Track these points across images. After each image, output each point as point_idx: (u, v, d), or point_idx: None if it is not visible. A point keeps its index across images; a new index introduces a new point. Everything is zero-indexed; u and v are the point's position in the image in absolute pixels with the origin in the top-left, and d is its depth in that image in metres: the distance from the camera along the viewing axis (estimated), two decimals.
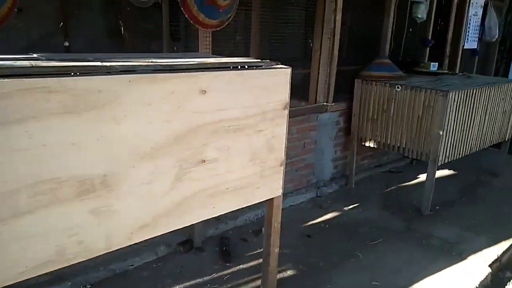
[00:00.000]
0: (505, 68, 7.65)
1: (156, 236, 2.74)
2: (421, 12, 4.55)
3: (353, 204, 3.83)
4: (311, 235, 3.25)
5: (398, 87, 3.63)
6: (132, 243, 1.64)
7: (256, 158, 1.98)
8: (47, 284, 2.38)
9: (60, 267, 1.44)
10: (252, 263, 2.82)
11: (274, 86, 1.94)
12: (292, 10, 3.76)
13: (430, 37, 5.11)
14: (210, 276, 2.65)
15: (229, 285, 2.58)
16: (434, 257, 2.96)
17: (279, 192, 2.17)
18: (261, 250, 2.98)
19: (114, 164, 1.47)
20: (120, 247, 1.60)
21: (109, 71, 1.42)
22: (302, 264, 2.83)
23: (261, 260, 2.83)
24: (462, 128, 3.64)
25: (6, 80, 1.17)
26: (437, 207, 3.82)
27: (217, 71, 1.69)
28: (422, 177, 4.57)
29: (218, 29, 2.81)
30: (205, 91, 1.67)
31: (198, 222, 2.81)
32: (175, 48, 2.96)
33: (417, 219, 3.56)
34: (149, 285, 2.54)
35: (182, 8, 2.58)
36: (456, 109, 3.46)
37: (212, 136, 1.75)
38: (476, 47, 6.24)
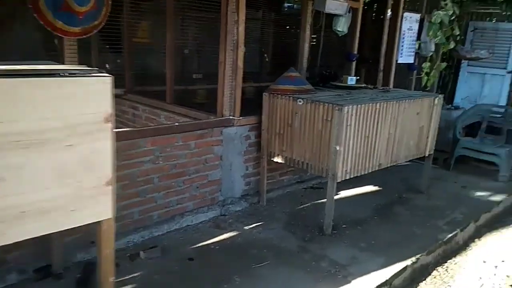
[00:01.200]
0: (453, 83, 7.71)
1: (9, 261, 2.53)
2: (342, 26, 4.47)
3: (256, 223, 3.64)
4: (195, 258, 3.03)
5: (300, 101, 3.49)
6: None
7: (67, 177, 1.77)
8: None
9: None
10: None
11: (87, 97, 1.74)
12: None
13: (356, 51, 5.04)
14: None
15: None
16: (316, 280, 2.78)
17: (108, 214, 1.95)
18: (130, 276, 2.77)
19: None
20: None
21: None
22: None
23: None
24: (366, 143, 3.51)
25: None
26: (344, 226, 3.67)
27: None
28: (344, 193, 4.44)
29: (84, 36, 2.62)
30: None
31: (58, 246, 2.61)
32: None
33: (316, 239, 3.39)
34: None
35: (35, 14, 2.39)
36: (356, 124, 3.33)
37: None
38: (413, 61, 6.24)
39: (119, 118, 5.20)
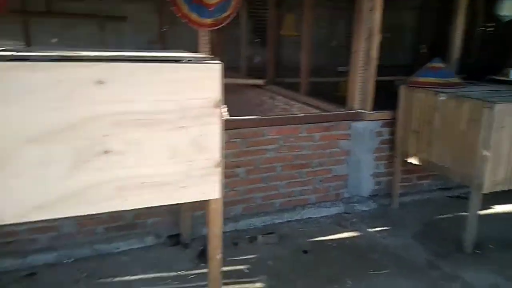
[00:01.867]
0: None
1: (149, 226, 2.90)
2: (508, 9, 3.75)
3: (381, 227, 3.36)
4: (310, 251, 2.96)
5: (442, 95, 3.06)
6: (27, 221, 1.74)
7: (179, 156, 1.91)
8: (36, 251, 2.69)
9: None
10: (226, 268, 2.70)
11: (197, 82, 1.85)
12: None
13: None
14: (176, 273, 2.64)
15: (189, 284, 2.53)
16: None
17: (215, 195, 2.04)
18: (246, 257, 2.87)
19: (1, 143, 1.59)
20: (14, 222, 1.72)
21: None
22: (276, 279, 2.61)
23: (237, 267, 2.73)
24: None
25: None
26: (491, 246, 3.10)
27: (113, 63, 1.69)
28: (499, 208, 3.77)
29: (215, 28, 2.79)
30: (102, 82, 1.68)
31: (187, 218, 2.88)
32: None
33: (451, 256, 2.94)
34: (121, 270, 2.65)
35: (173, 7, 2.64)
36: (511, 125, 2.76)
37: (115, 128, 1.75)
38: None
39: (259, 107, 5.45)
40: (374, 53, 3.35)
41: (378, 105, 3.61)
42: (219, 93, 1.90)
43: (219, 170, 2.01)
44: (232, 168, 3.13)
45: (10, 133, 1.60)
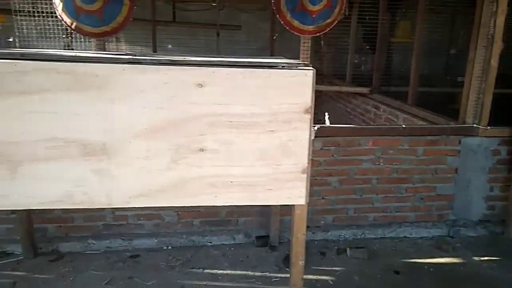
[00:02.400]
0: None
1: (240, 224, 3.03)
2: None
3: (490, 257, 2.99)
4: (402, 273, 2.77)
5: None
6: (130, 206, 1.95)
7: (267, 158, 1.96)
8: (141, 236, 2.99)
9: (68, 207, 1.90)
10: (311, 277, 2.68)
11: (289, 88, 1.88)
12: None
13: None
14: (261, 273, 2.70)
15: (272, 287, 2.56)
16: None
17: (301, 200, 2.05)
18: (332, 268, 2.81)
19: (111, 136, 1.82)
20: (119, 206, 1.95)
21: (115, 61, 1.77)
22: None
23: (323, 277, 2.69)
24: None
25: (27, 61, 1.69)
26: None
27: (213, 67, 1.81)
28: None
29: (317, 34, 2.80)
30: (201, 85, 1.81)
31: (276, 221, 2.94)
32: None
33: None
34: (210, 263, 2.81)
35: (277, 15, 2.72)
36: None
37: (210, 128, 1.87)
38: None
39: (362, 116, 5.28)
40: (495, 61, 3.01)
41: (496, 120, 3.23)
42: (310, 100, 1.90)
43: (305, 176, 2.01)
44: (324, 176, 3.09)
45: (121, 128, 1.82)
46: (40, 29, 4.08)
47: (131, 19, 2.58)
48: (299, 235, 2.13)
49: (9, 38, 4.22)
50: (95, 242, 2.90)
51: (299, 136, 1.94)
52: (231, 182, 1.97)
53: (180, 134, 1.86)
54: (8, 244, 2.82)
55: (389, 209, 3.29)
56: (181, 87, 1.81)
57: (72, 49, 4.47)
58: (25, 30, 4.13)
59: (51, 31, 3.89)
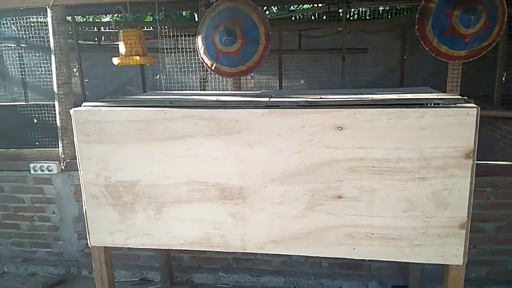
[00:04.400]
0: None
1: (373, 270, 2.77)
2: None
3: None
4: None
5: None
6: (263, 252, 1.89)
7: (416, 210, 1.71)
8: (267, 273, 2.93)
9: (206, 249, 1.92)
10: None
11: (446, 129, 1.62)
12: None
13: None
14: None
15: None
16: None
17: (457, 260, 1.74)
18: None
19: (248, 180, 1.79)
20: (253, 252, 1.89)
21: (254, 106, 1.76)
22: None
23: None
24: None
25: (174, 109, 1.77)
26: None
27: (355, 108, 1.65)
28: None
29: (470, 60, 2.44)
30: (341, 128, 1.67)
31: (417, 271, 2.62)
32: None
33: None
34: None
35: (422, 41, 2.45)
36: None
37: (349, 174, 1.71)
38: None
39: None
40: None
41: None
42: (473, 142, 1.61)
43: (464, 232, 1.70)
44: (477, 222, 2.64)
45: (257, 172, 1.78)
46: (181, 65, 4.46)
47: (266, 56, 2.59)
48: None
49: (156, 76, 4.68)
50: (225, 276, 2.93)
51: (457, 185, 1.66)
52: (372, 234, 1.77)
53: (316, 179, 1.74)
54: (149, 271, 3.02)
55: None
56: (319, 130, 1.70)
57: (207, 82, 4.77)
58: (167, 67, 4.56)
59: (190, 66, 4.21)
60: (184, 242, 1.92)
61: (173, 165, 1.82)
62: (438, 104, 1.65)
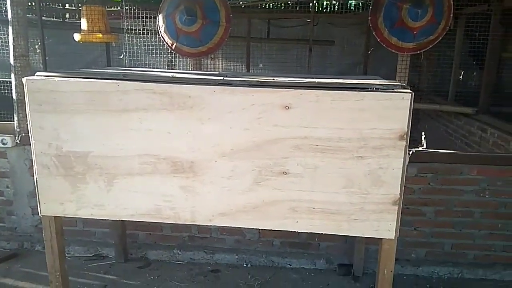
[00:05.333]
0: None
1: (321, 249, 2.91)
2: None
3: None
4: None
5: None
6: (212, 225, 1.97)
7: (354, 186, 1.84)
8: (221, 251, 3.02)
9: (157, 221, 1.98)
10: None
11: (383, 112, 1.74)
12: None
13: None
14: None
15: None
16: None
17: (390, 234, 1.88)
18: None
19: (199, 155, 1.86)
20: (202, 224, 1.97)
21: (207, 83, 1.82)
22: None
23: None
24: None
25: (128, 82, 1.81)
26: None
27: (302, 89, 1.75)
28: None
29: (418, 52, 2.60)
30: (288, 107, 1.77)
31: (361, 251, 2.79)
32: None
33: None
34: (288, 286, 2.73)
35: (374, 32, 2.59)
36: None
37: (294, 151, 1.81)
38: None
39: (465, 139, 4.80)
40: None
41: None
42: (407, 125, 1.74)
43: (396, 208, 1.84)
44: (418, 206, 2.83)
45: (208, 147, 1.85)
46: (147, 46, 4.45)
47: (226, 39, 2.65)
48: (386, 271, 1.96)
49: (120, 56, 4.64)
50: (180, 253, 3.00)
51: (391, 164, 1.79)
52: (313, 208, 1.89)
53: (264, 155, 1.84)
54: (103, 247, 3.05)
55: (494, 248, 2.90)
56: (267, 109, 1.78)
57: (174, 65, 4.78)
58: (133, 48, 4.54)
59: (156, 48, 4.22)
60: (135, 214, 1.97)
61: (126, 137, 1.86)
62: (378, 89, 1.77)
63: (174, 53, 3.73)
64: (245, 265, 2.96)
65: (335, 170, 1.83)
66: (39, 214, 2.02)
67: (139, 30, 4.39)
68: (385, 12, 2.48)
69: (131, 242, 3.05)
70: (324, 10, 7.15)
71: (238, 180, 1.88)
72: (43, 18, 5.68)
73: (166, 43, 2.71)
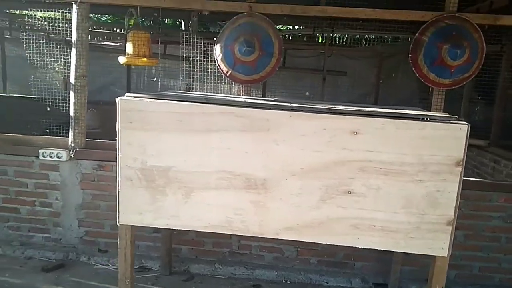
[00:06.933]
0: None
1: (357, 268, 3.06)
2: None
3: None
4: None
5: None
6: (279, 238, 2.14)
7: (412, 207, 2.03)
8: (261, 267, 3.16)
9: (227, 232, 2.14)
10: None
11: (442, 140, 1.96)
12: None
13: None
14: None
15: None
16: None
17: (443, 252, 2.06)
18: None
19: (271, 173, 2.05)
20: (269, 237, 2.14)
21: (280, 108, 2.03)
22: None
23: None
24: None
25: (212, 105, 2.01)
26: None
27: (369, 117, 1.97)
28: None
29: (453, 88, 2.85)
30: (356, 132, 1.98)
31: (396, 270, 2.94)
32: None
33: None
34: None
35: (413, 68, 2.84)
36: None
37: (359, 173, 2.01)
38: None
39: (477, 169, 5.03)
40: None
41: None
42: (463, 153, 1.95)
43: (450, 228, 2.04)
44: None
45: (280, 166, 2.04)
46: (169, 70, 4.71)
47: (277, 69, 2.88)
48: (438, 287, 2.13)
49: (153, 78, 4.87)
50: (221, 267, 3.13)
51: (447, 188, 1.99)
52: (374, 226, 2.07)
53: (331, 176, 2.03)
54: (147, 260, 3.17)
55: None
56: (337, 134, 1.99)
57: (193, 89, 5.03)
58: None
59: (176, 73, 4.46)
60: (208, 225, 2.14)
61: (206, 154, 2.05)
62: (435, 119, 2.00)
63: (193, 78, 3.95)
64: (284, 281, 3.09)
65: (396, 191, 2.02)
66: (117, 223, 2.17)
67: (160, 53, 4.64)
68: (426, 50, 2.74)
69: (174, 256, 3.17)
70: (337, 42, 7.51)
71: (306, 197, 2.06)
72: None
73: (222, 70, 2.93)
